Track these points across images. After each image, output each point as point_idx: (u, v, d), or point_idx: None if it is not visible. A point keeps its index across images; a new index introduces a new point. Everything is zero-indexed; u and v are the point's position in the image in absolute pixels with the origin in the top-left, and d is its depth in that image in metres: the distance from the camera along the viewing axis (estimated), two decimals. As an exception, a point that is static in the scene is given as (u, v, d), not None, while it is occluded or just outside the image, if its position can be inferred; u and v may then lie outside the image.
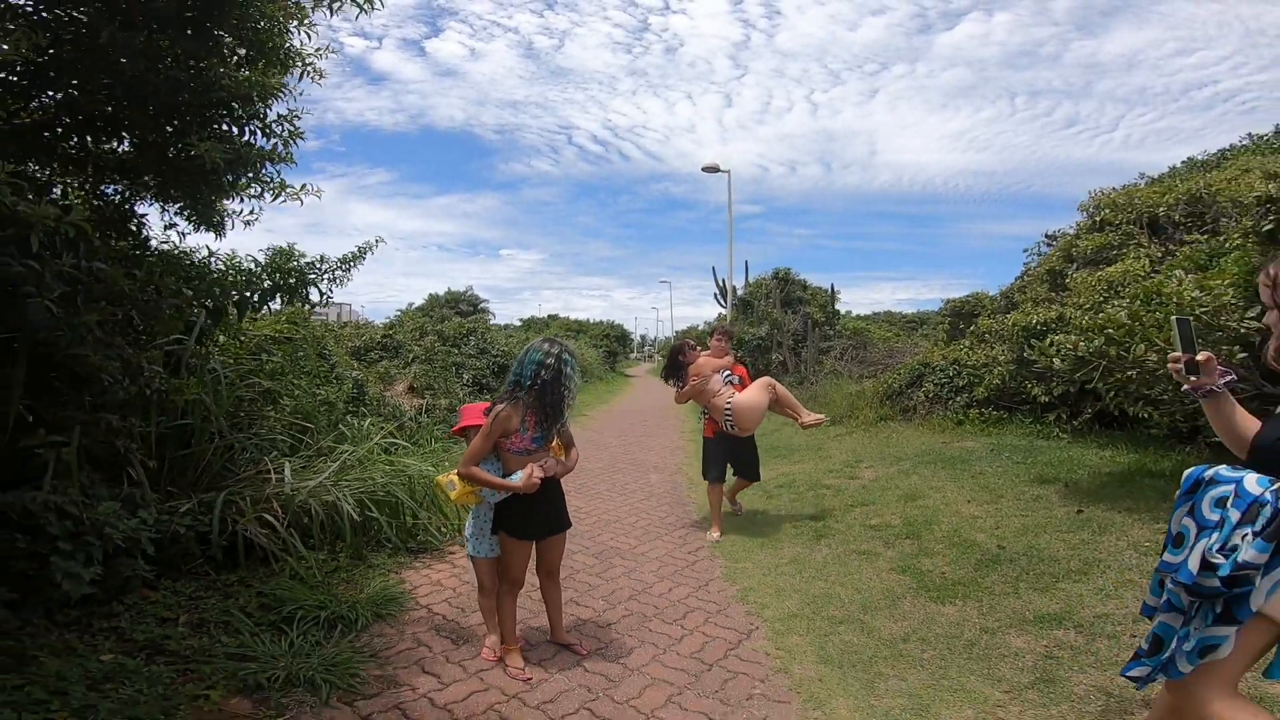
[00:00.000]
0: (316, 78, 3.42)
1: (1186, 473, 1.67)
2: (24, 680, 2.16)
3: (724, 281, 16.14)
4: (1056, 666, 2.61)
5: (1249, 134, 11.83)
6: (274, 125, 3.15)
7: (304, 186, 3.46)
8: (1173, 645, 1.61)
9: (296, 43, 3.21)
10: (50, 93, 2.80)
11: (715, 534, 4.61)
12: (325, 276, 3.56)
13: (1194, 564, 1.53)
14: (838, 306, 15.12)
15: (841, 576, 3.72)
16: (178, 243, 3.64)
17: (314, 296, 3.51)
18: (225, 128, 3.06)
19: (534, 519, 2.66)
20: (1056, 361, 4.43)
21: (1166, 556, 1.65)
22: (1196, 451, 5.10)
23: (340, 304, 22.25)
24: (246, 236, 4.03)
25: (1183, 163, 11.90)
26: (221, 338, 3.98)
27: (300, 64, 3.33)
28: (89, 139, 2.94)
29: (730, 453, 4.72)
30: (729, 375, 4.65)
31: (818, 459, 7.31)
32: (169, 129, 2.88)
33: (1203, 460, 2.38)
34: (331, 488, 3.62)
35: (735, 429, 4.55)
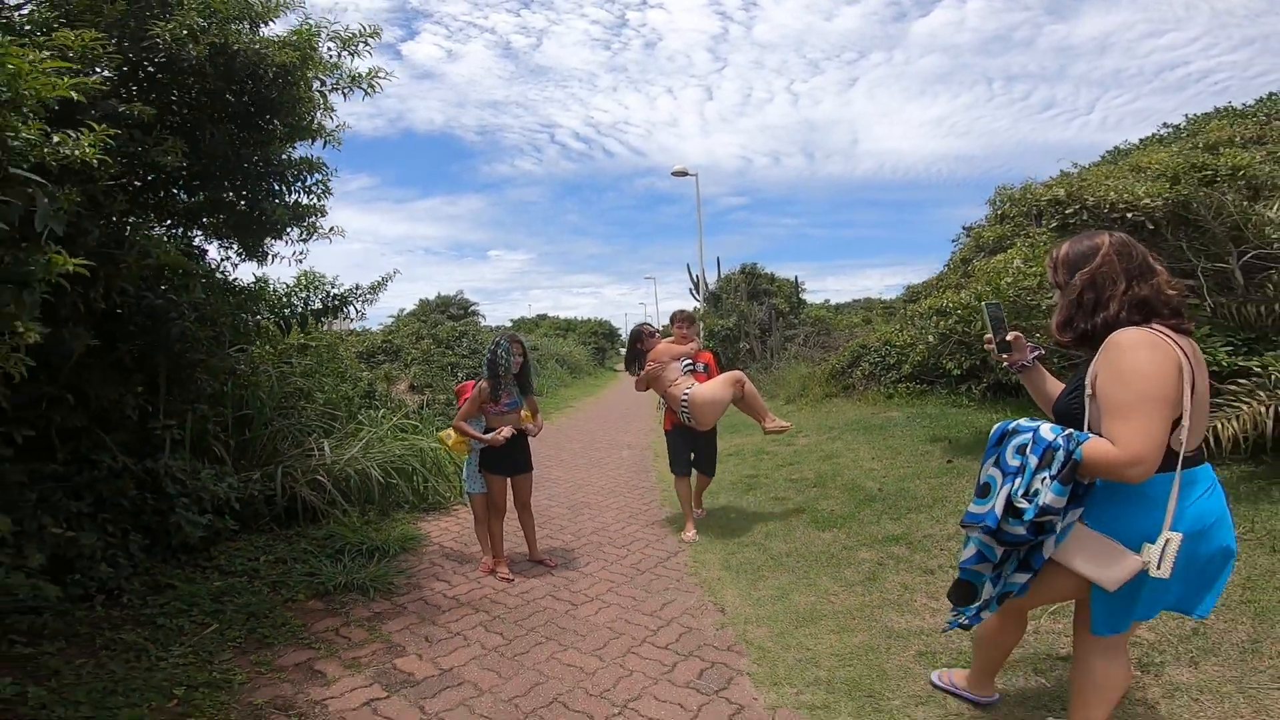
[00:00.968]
0: (337, 145, 4.47)
1: (995, 427, 1.75)
2: (165, 600, 3.21)
3: (698, 277, 17.28)
4: (882, 570, 3.55)
5: (1164, 123, 11.61)
6: (314, 188, 4.21)
7: (333, 229, 4.52)
8: (984, 591, 1.77)
9: (326, 123, 4.26)
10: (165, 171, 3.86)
11: (690, 533, 4.39)
12: (361, 299, 4.67)
13: (999, 508, 1.62)
14: (803, 296, 16.23)
15: (757, 515, 4.83)
16: (230, 272, 4.72)
17: (352, 314, 4.65)
18: (278, 188, 4.12)
19: (505, 462, 3.81)
20: (931, 338, 5.51)
21: (972, 508, 1.71)
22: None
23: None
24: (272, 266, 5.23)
25: (1107, 152, 11.78)
26: (266, 346, 5.04)
27: (324, 136, 4.39)
28: (183, 195, 4.01)
29: (692, 444, 4.49)
30: (690, 364, 4.41)
31: (768, 433, 8.43)
32: (244, 192, 3.96)
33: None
34: (361, 459, 4.71)
35: (692, 421, 4.28)
